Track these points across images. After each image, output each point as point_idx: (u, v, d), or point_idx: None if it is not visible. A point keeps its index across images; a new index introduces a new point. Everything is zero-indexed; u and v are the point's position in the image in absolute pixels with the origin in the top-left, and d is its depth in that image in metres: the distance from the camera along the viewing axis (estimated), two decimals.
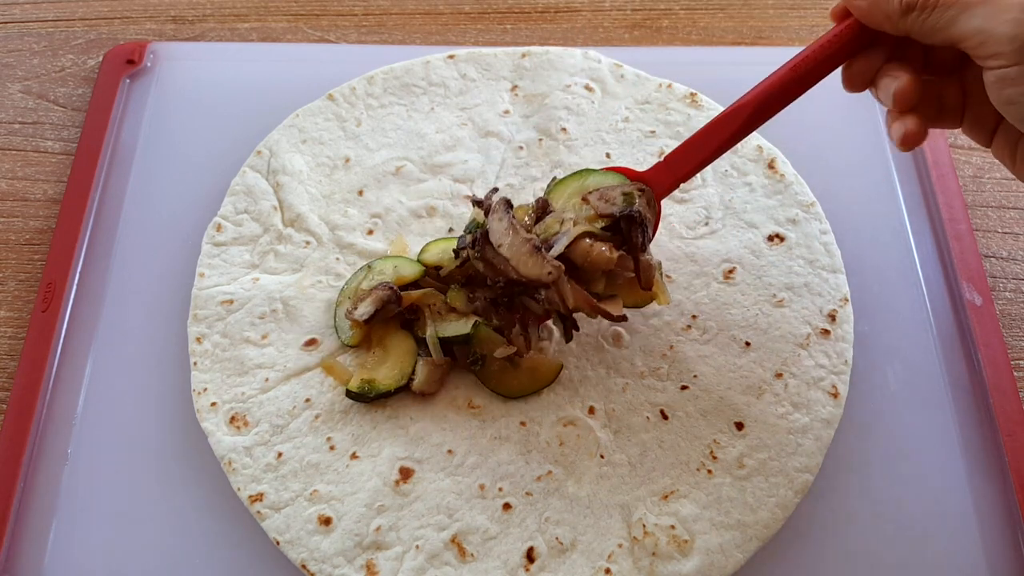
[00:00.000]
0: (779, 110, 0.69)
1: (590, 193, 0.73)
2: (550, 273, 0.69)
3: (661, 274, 0.75)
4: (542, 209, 0.74)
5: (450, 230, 0.85)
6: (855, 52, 0.65)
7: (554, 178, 0.77)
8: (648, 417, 0.75)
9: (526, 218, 0.74)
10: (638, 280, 0.72)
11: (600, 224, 0.71)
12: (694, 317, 0.80)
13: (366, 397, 0.75)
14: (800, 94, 0.68)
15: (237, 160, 0.91)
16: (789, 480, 0.72)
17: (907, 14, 0.59)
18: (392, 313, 0.77)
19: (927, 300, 0.85)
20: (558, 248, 0.70)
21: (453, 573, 0.68)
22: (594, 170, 0.76)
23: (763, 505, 0.71)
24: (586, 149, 0.90)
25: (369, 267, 0.80)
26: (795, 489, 0.71)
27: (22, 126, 1.01)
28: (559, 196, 0.75)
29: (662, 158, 0.74)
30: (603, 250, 0.70)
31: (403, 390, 0.75)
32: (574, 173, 0.76)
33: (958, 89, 0.66)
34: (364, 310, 0.76)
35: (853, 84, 0.66)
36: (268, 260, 0.84)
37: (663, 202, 0.76)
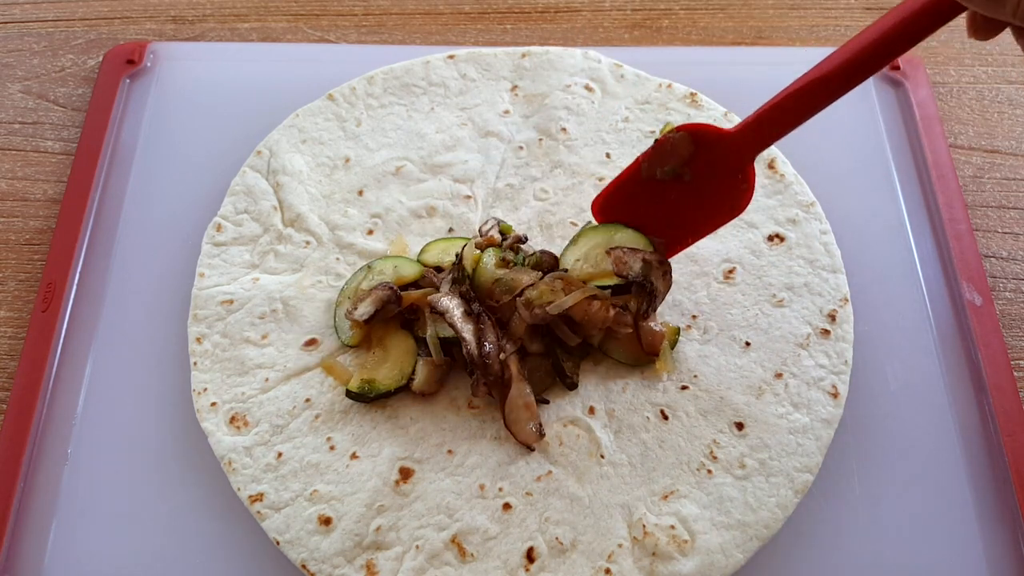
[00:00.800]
0: (871, 73, 0.66)
1: (614, 249, 0.76)
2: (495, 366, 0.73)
3: (675, 342, 0.78)
4: (516, 241, 0.80)
5: (450, 230, 0.85)
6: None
7: (588, 222, 0.82)
8: (648, 417, 0.75)
9: (503, 255, 0.77)
10: (639, 343, 0.76)
11: (612, 282, 0.76)
12: (694, 317, 0.80)
13: (366, 397, 0.75)
14: (897, 55, 0.65)
15: (237, 160, 0.91)
16: (789, 480, 0.72)
17: None
18: (392, 313, 0.77)
19: (927, 300, 0.85)
20: (558, 308, 0.74)
21: (453, 573, 0.68)
22: (624, 227, 0.78)
23: (763, 505, 0.71)
24: (586, 149, 0.90)
25: (369, 267, 0.80)
26: (795, 489, 0.71)
27: (22, 126, 1.01)
28: (586, 241, 0.79)
29: (750, 115, 0.71)
30: (600, 308, 0.74)
31: (403, 390, 0.75)
32: (606, 225, 0.79)
33: None
34: (364, 310, 0.76)
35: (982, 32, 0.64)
36: (268, 260, 0.84)
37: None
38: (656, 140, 0.74)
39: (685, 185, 0.74)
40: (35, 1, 1.11)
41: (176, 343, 0.81)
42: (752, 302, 0.81)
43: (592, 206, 0.80)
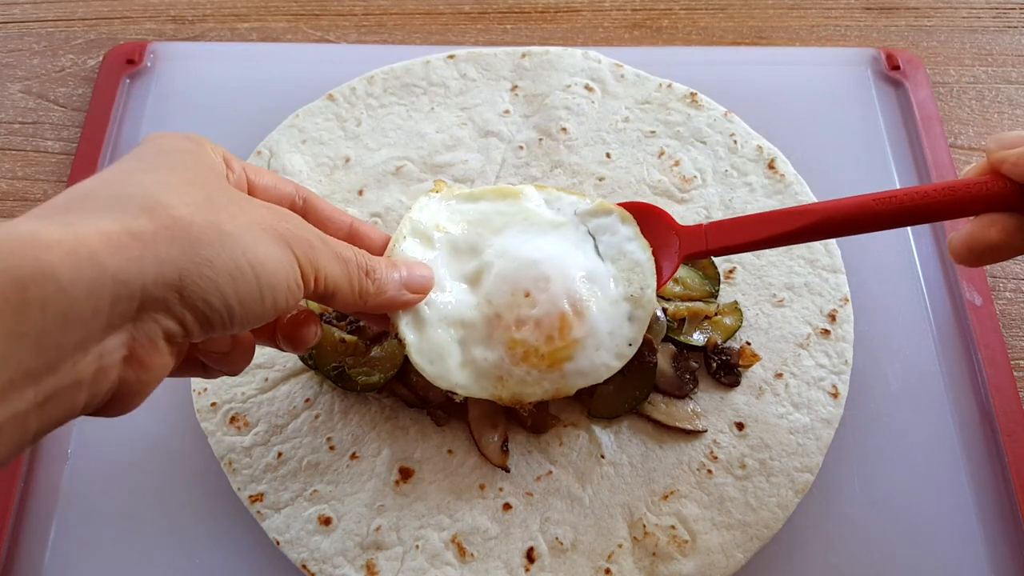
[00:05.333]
0: (858, 232, 0.63)
1: None
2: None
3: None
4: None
5: None
6: (990, 208, 0.59)
7: None
8: None
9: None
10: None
11: None
12: None
13: (344, 377, 0.74)
14: (896, 226, 0.62)
15: None
16: (790, 480, 0.72)
17: None
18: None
19: (927, 300, 0.85)
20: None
21: (454, 573, 0.68)
22: None
23: (764, 505, 0.71)
24: (586, 149, 0.90)
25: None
26: (795, 489, 0.71)
27: (22, 126, 1.01)
28: None
29: (707, 222, 0.70)
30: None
31: (388, 388, 0.75)
32: None
33: None
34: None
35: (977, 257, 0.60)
36: None
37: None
38: None
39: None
40: (35, 1, 1.11)
41: None
42: (752, 302, 0.81)
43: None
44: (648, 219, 0.73)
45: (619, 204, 0.74)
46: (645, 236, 0.72)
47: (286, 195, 0.60)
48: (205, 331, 0.47)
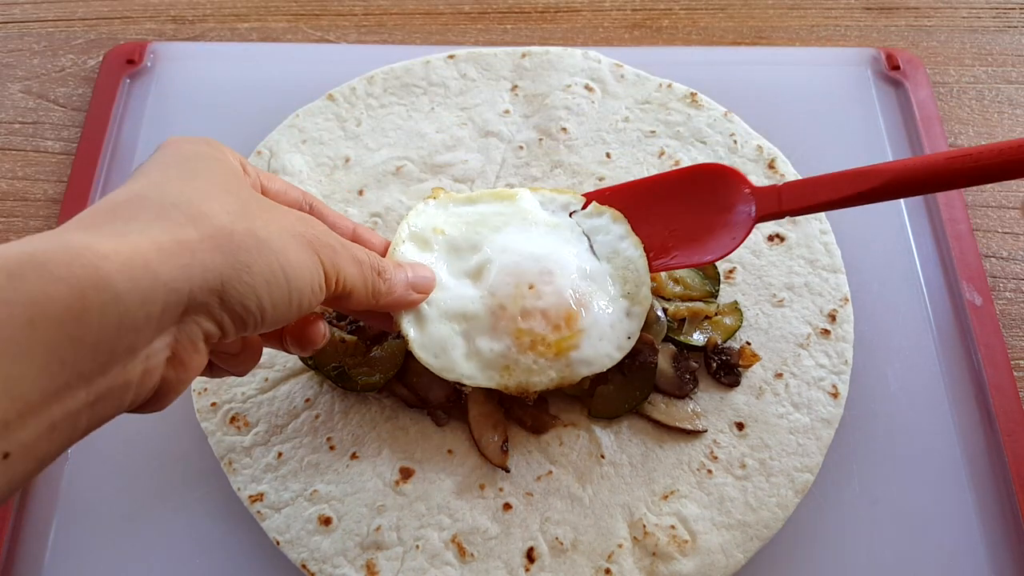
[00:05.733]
0: (927, 191, 0.65)
1: None
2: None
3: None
4: None
5: None
6: None
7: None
8: None
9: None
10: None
11: None
12: None
13: (344, 377, 0.74)
14: (961, 186, 0.63)
15: None
16: (790, 480, 0.72)
17: None
18: None
19: (927, 300, 0.85)
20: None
21: (454, 573, 0.68)
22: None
23: (764, 505, 0.71)
24: (586, 149, 0.90)
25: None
26: (795, 489, 0.71)
27: (22, 126, 1.01)
28: None
29: (780, 182, 0.69)
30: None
31: (388, 388, 0.75)
32: None
33: None
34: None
35: None
36: None
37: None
38: None
39: (691, 213, 0.73)
40: (35, 1, 1.11)
41: None
42: (752, 302, 0.81)
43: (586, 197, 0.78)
44: (721, 180, 0.72)
45: (693, 166, 0.74)
46: (716, 198, 0.72)
47: (294, 201, 0.63)
48: (239, 331, 0.49)
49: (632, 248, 0.74)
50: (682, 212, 0.73)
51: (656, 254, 0.73)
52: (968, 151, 0.62)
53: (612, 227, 0.75)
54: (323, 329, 0.63)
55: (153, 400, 0.47)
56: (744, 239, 0.70)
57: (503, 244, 0.73)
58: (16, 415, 0.38)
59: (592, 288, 0.71)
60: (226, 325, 0.48)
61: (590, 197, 0.78)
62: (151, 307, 0.42)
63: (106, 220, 0.45)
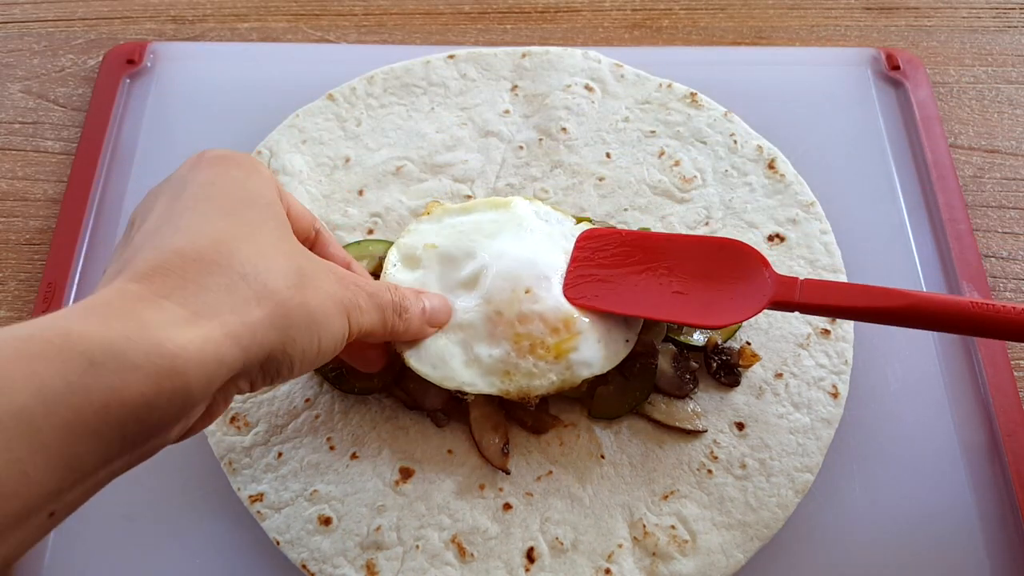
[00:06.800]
0: (942, 329, 0.65)
1: None
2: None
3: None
4: None
5: None
6: None
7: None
8: None
9: None
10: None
11: None
12: None
13: (344, 382, 0.75)
14: (978, 335, 0.63)
15: None
16: (790, 480, 0.72)
17: None
18: None
19: None
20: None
21: (454, 573, 0.68)
22: None
23: (764, 505, 0.71)
24: (586, 149, 0.90)
25: (357, 244, 0.82)
26: (796, 489, 0.71)
27: (22, 126, 1.01)
28: None
29: (802, 277, 0.68)
30: None
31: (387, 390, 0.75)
32: None
33: None
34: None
35: None
36: None
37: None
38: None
39: (703, 278, 0.71)
40: (35, 1, 1.11)
41: None
42: None
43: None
44: (742, 259, 0.71)
45: (719, 238, 0.74)
46: (732, 272, 0.70)
47: (306, 228, 0.64)
48: (263, 387, 0.54)
49: None
50: (692, 275, 0.71)
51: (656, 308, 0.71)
52: (995, 305, 0.61)
53: None
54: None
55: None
56: (750, 317, 0.69)
57: (498, 250, 0.72)
58: (71, 484, 0.41)
59: None
60: (257, 384, 0.52)
61: (593, 233, 0.76)
62: (211, 386, 0.46)
63: (176, 285, 0.47)
